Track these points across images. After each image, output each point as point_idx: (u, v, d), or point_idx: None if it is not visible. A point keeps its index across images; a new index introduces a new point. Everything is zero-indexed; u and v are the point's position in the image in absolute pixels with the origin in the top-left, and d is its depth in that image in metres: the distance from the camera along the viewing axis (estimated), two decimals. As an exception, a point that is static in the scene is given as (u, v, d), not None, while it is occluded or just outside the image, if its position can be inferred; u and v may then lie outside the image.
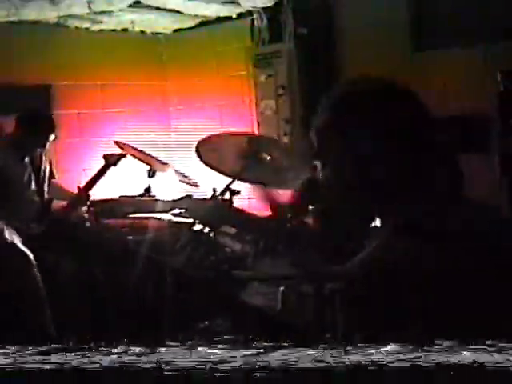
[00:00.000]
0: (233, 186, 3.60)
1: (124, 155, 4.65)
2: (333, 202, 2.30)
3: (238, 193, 3.65)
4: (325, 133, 1.48)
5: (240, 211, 3.73)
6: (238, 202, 3.72)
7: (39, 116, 4.49)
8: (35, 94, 5.23)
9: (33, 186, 4.48)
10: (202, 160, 3.57)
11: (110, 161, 4.62)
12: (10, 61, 5.09)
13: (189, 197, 4.22)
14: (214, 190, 3.73)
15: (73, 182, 4.83)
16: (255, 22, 5.26)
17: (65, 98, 5.48)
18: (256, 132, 5.30)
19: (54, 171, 4.76)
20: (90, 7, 4.75)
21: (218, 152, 3.69)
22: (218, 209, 3.65)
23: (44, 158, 4.60)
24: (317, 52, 4.99)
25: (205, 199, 3.86)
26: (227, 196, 3.64)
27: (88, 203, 4.75)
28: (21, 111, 4.54)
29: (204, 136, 3.79)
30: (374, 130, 1.41)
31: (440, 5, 4.57)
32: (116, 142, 4.70)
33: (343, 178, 1.44)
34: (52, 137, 4.42)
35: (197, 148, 3.62)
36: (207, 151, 3.63)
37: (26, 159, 4.44)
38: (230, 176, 3.66)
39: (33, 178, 4.48)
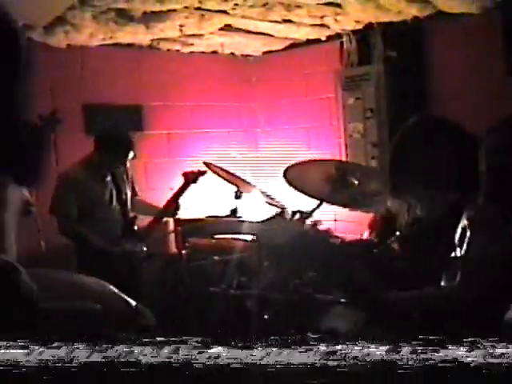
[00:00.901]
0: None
1: (203, 173, 4.71)
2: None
3: (310, 215, 3.62)
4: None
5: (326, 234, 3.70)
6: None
7: (117, 135, 4.56)
8: (127, 114, 5.37)
9: (115, 204, 4.54)
10: (289, 184, 3.60)
11: (190, 178, 4.70)
12: (105, 82, 5.25)
13: (278, 215, 4.21)
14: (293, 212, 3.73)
15: (159, 200, 4.92)
16: (344, 45, 5.25)
17: (155, 119, 5.59)
18: (344, 155, 5.27)
19: (137, 189, 4.83)
20: (181, 30, 4.86)
21: (306, 176, 3.70)
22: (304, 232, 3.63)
23: (125, 176, 4.67)
24: (405, 75, 4.92)
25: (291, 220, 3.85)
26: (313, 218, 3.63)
27: (175, 218, 4.84)
28: (99, 131, 4.64)
29: (291, 159, 3.82)
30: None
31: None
32: (205, 163, 4.77)
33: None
34: (131, 155, 4.48)
35: (285, 172, 3.65)
36: (295, 175, 3.65)
37: (108, 178, 4.51)
38: (317, 198, 3.66)
39: (115, 196, 4.54)
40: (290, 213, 3.82)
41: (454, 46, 4.78)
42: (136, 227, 4.58)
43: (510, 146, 1.52)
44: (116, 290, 2.13)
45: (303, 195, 3.66)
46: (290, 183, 3.62)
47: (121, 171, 4.58)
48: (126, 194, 4.60)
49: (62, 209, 4.35)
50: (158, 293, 4.37)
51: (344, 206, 3.90)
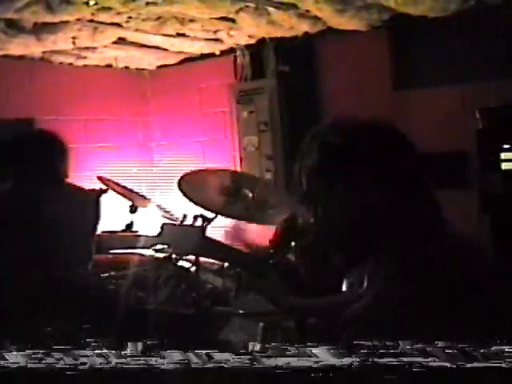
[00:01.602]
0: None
1: (105, 190, 4.64)
2: (319, 240, 2.32)
3: (211, 220, 3.63)
4: (314, 175, 1.48)
5: (217, 241, 3.72)
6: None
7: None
8: (19, 128, 5.23)
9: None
10: (184, 195, 3.59)
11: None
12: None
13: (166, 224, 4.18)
14: (185, 215, 3.74)
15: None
16: (238, 59, 5.33)
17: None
18: (239, 168, 5.32)
19: None
20: (74, 43, 4.79)
21: (201, 187, 3.70)
22: (191, 235, 3.63)
23: None
24: (298, 89, 5.04)
25: (180, 225, 3.85)
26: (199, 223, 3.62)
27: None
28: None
29: (186, 171, 3.81)
30: (362, 172, 1.42)
31: (417, 45, 4.67)
32: (99, 178, 4.70)
33: (333, 219, 1.45)
34: None
35: (179, 183, 3.64)
36: (189, 186, 3.64)
37: None
38: (212, 211, 3.67)
39: None
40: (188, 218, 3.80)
41: (343, 61, 4.95)
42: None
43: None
44: None
45: (198, 207, 3.66)
46: (185, 194, 3.61)
47: None
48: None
49: None
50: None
51: (239, 218, 3.94)
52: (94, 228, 3.62)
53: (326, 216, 1.47)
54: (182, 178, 3.69)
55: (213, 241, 3.62)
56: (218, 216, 3.55)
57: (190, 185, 3.65)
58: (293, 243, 3.44)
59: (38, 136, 3.82)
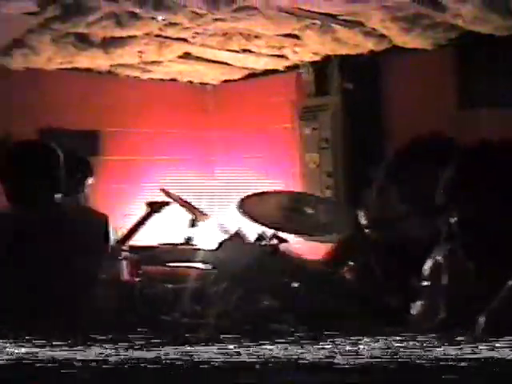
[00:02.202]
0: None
1: (167, 203, 4.69)
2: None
3: (286, 241, 3.67)
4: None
5: (286, 256, 3.73)
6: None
7: (76, 159, 4.51)
8: (85, 140, 5.33)
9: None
10: (243, 214, 3.63)
11: (154, 208, 4.66)
12: (63, 107, 5.22)
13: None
14: (260, 235, 3.74)
15: (115, 226, 4.87)
16: (302, 75, 5.33)
17: (113, 145, 5.57)
18: (299, 185, 5.32)
19: None
20: (140, 57, 4.87)
21: (260, 207, 3.73)
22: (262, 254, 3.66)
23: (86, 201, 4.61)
24: (362, 107, 5.01)
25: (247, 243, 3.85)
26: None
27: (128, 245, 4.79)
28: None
29: (247, 188, 3.84)
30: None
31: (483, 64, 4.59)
32: (162, 190, 4.75)
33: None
34: (90, 181, 4.44)
35: (239, 204, 3.69)
36: (249, 206, 3.68)
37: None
38: (271, 227, 3.68)
39: None
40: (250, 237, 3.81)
41: (408, 79, 4.89)
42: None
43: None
44: None
45: (257, 225, 3.69)
46: (244, 214, 3.65)
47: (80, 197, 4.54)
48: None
49: None
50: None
51: (297, 233, 3.93)
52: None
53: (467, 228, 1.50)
54: (242, 199, 3.74)
55: (281, 256, 3.64)
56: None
57: (249, 205, 3.70)
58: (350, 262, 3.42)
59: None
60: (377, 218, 3.04)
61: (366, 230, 3.14)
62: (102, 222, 3.17)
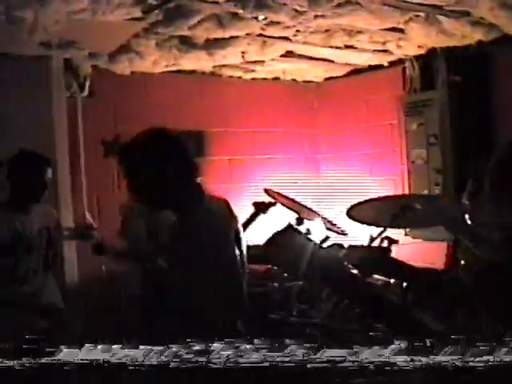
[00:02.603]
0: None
1: (274, 203, 4.68)
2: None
3: (396, 242, 3.62)
4: None
5: (395, 260, 3.68)
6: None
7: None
8: (189, 140, 5.39)
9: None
10: (354, 219, 3.63)
11: (260, 208, 4.67)
12: (168, 109, 5.31)
13: (338, 245, 4.16)
14: (372, 237, 3.70)
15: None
16: (407, 70, 5.21)
17: (217, 145, 5.62)
18: (407, 181, 5.21)
19: None
20: (243, 57, 4.90)
21: (369, 209, 3.72)
22: (374, 256, 3.63)
23: None
24: (470, 101, 4.83)
25: (360, 246, 3.82)
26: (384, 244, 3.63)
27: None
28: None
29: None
30: None
31: None
32: (266, 190, 4.75)
33: None
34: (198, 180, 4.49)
35: (348, 211, 3.68)
36: (357, 211, 3.68)
37: None
38: (380, 226, 3.64)
39: None
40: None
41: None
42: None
43: None
44: None
45: (369, 226, 3.68)
46: (353, 219, 3.65)
47: None
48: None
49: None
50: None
51: (407, 227, 3.88)
52: None
53: None
54: (350, 207, 3.74)
55: (396, 261, 3.60)
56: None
57: (357, 210, 3.70)
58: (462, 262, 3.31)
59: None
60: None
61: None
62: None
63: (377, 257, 3.58)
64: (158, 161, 2.64)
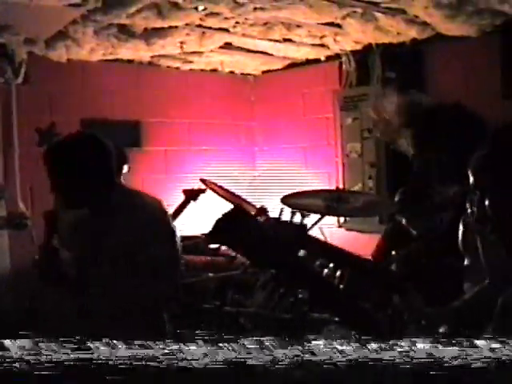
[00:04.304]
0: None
1: (203, 190, 4.70)
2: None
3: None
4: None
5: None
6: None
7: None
8: (125, 130, 5.37)
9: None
10: (288, 206, 3.68)
11: (190, 196, 4.68)
12: (105, 99, 5.26)
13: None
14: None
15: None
16: (343, 65, 5.29)
17: (153, 135, 5.60)
18: (341, 174, 5.30)
19: None
20: (181, 47, 4.89)
21: (304, 199, 3.77)
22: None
23: None
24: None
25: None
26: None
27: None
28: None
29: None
30: None
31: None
32: (202, 180, 4.77)
33: None
34: (125, 168, 4.50)
35: (282, 200, 3.73)
36: (292, 200, 3.73)
37: None
38: (317, 212, 3.70)
39: None
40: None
41: (451, 68, 4.82)
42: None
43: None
44: None
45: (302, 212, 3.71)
46: (289, 206, 3.70)
47: None
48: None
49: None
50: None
51: (343, 215, 3.94)
52: None
53: None
54: (284, 196, 3.78)
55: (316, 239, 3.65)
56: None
57: (292, 199, 3.75)
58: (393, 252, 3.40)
59: None
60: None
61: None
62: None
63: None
64: (81, 163, 2.66)
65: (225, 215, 1.57)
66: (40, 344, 1.29)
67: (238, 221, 1.56)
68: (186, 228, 5.01)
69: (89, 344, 1.30)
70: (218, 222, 1.58)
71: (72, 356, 1.27)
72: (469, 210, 1.76)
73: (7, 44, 4.55)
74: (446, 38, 4.50)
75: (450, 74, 4.83)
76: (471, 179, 1.56)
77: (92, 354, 1.28)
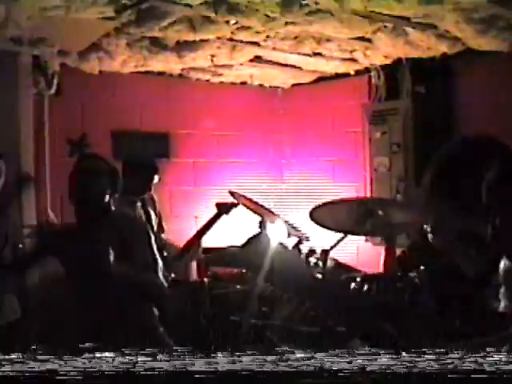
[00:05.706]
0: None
1: (236, 204, 4.71)
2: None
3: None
4: None
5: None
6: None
7: (142, 160, 4.63)
8: (154, 141, 5.42)
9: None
10: (315, 222, 3.67)
11: (223, 209, 4.69)
12: (135, 110, 5.31)
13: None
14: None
15: (183, 227, 4.94)
16: (372, 79, 5.30)
17: (181, 147, 5.64)
18: (369, 189, 5.29)
19: (164, 224, 4.86)
20: (212, 60, 4.93)
21: (331, 213, 3.77)
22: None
23: (152, 203, 4.70)
24: (433, 111, 4.94)
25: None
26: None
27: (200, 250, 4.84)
28: (125, 156, 4.67)
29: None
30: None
31: None
32: (230, 192, 4.77)
33: None
34: (156, 179, 4.53)
35: (310, 213, 3.72)
36: (320, 214, 3.72)
37: (138, 203, 4.54)
38: (342, 231, 3.69)
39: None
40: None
41: (482, 83, 4.80)
42: (165, 253, 4.57)
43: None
44: None
45: (328, 230, 3.73)
46: (316, 222, 3.70)
47: (148, 198, 4.63)
48: (154, 220, 4.63)
49: None
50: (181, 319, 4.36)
51: (368, 234, 3.92)
52: None
53: None
54: (313, 208, 3.78)
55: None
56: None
57: (320, 213, 3.75)
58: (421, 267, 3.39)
59: None
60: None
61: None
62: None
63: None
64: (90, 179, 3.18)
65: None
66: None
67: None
68: (213, 240, 5.04)
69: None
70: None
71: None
72: None
73: (41, 56, 4.62)
74: (477, 53, 4.49)
75: (480, 88, 4.82)
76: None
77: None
